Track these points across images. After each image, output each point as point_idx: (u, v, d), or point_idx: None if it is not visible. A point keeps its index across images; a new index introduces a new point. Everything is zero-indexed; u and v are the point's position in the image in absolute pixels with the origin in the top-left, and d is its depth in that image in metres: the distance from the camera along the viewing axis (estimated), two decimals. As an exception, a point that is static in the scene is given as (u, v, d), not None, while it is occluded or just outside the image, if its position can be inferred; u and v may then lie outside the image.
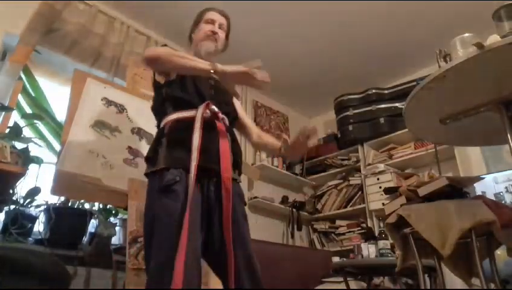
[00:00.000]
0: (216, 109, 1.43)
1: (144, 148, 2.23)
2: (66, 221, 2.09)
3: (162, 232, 1.23)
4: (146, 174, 1.39)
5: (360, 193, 3.49)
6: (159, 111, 1.50)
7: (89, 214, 2.17)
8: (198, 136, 1.31)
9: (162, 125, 1.44)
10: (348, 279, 2.40)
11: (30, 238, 2.04)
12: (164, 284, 1.11)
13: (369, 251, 2.34)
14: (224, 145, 1.37)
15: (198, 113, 1.36)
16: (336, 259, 2.97)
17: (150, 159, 1.38)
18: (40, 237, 2.02)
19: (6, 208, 1.95)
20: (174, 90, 1.46)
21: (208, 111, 1.40)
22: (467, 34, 1.27)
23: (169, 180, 1.27)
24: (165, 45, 1.56)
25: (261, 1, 2.87)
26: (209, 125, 1.37)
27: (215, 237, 1.30)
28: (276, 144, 1.61)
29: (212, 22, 1.67)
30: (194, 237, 1.21)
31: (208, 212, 1.32)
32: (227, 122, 1.49)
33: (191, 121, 1.35)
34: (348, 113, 3.61)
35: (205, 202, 1.32)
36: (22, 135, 1.92)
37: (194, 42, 1.68)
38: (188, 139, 1.32)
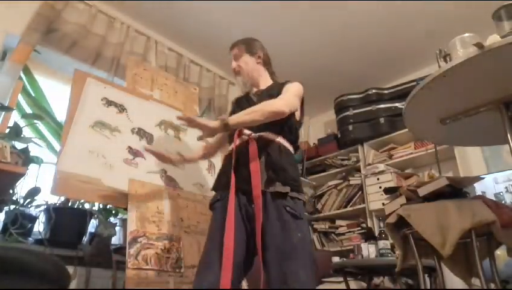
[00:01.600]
0: (247, 132, 1.58)
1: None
2: (66, 221, 2.09)
3: (208, 241, 1.52)
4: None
5: (360, 193, 3.49)
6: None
7: (89, 214, 2.17)
8: (234, 161, 1.53)
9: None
10: (348, 279, 2.40)
11: (30, 238, 2.04)
12: (198, 284, 1.39)
13: (369, 251, 2.34)
14: (254, 166, 1.49)
15: (233, 144, 1.60)
16: (336, 259, 2.97)
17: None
18: (40, 237, 2.02)
19: (6, 208, 1.95)
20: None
21: (238, 140, 1.59)
22: (467, 34, 1.27)
23: (211, 200, 1.63)
24: None
25: (261, 1, 2.87)
26: (243, 150, 1.54)
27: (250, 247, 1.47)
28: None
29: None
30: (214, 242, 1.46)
31: (249, 223, 1.48)
32: (257, 141, 1.57)
33: (229, 154, 1.64)
34: (348, 113, 3.61)
35: (244, 214, 1.49)
36: (22, 135, 1.92)
37: None
38: (225, 167, 1.62)
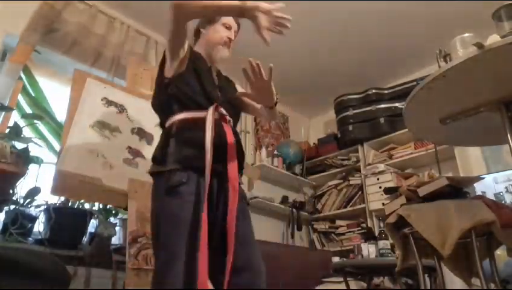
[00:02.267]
0: (224, 112, 1.44)
1: (144, 148, 2.23)
2: (66, 221, 2.09)
3: (166, 233, 1.24)
4: (151, 173, 1.38)
5: (360, 193, 3.49)
6: (163, 109, 1.47)
7: (89, 214, 2.18)
8: (210, 137, 1.31)
9: (168, 124, 1.42)
10: (348, 279, 2.40)
11: (30, 238, 2.04)
12: (166, 283, 1.15)
13: (369, 251, 2.34)
14: (231, 148, 1.37)
15: (209, 115, 1.36)
16: (336, 259, 2.97)
17: (157, 158, 1.37)
18: (40, 237, 2.02)
19: (6, 208, 1.95)
20: (181, 88, 1.42)
21: (216, 113, 1.40)
22: (467, 34, 1.27)
23: (175, 182, 1.28)
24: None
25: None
26: (216, 128, 1.36)
27: (214, 233, 1.29)
28: (259, 108, 1.61)
29: (229, 28, 1.60)
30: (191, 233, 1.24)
31: (211, 209, 1.31)
32: (232, 124, 1.49)
33: (199, 122, 1.35)
34: (348, 113, 3.61)
35: (213, 201, 1.34)
36: (22, 135, 1.92)
37: (204, 39, 1.61)
38: (197, 140, 1.32)
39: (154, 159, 1.40)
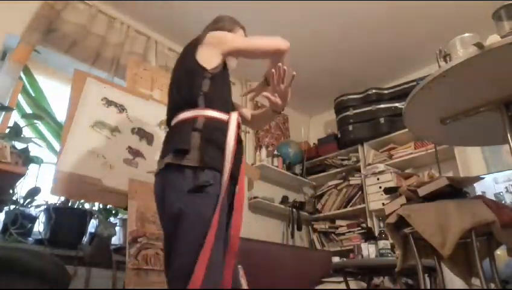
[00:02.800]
0: (240, 119, 1.45)
1: (144, 148, 2.23)
2: (66, 221, 2.09)
3: (190, 232, 1.20)
4: (170, 164, 1.28)
5: (360, 193, 3.49)
6: (190, 98, 1.39)
7: (89, 214, 2.17)
8: (234, 142, 1.32)
9: (190, 116, 1.35)
10: (348, 279, 2.40)
11: (30, 238, 2.04)
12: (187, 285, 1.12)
13: (369, 251, 2.34)
14: (243, 155, 1.41)
15: (234, 119, 1.37)
16: (336, 259, 2.97)
17: (183, 151, 1.28)
18: (40, 237, 2.02)
19: (6, 208, 1.95)
20: (216, 86, 1.41)
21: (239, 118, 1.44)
22: (467, 34, 1.27)
23: (205, 182, 1.24)
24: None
25: (260, 1, 2.87)
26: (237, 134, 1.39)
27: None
28: (265, 110, 1.65)
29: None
30: (221, 237, 1.22)
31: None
32: None
33: (224, 124, 1.35)
34: (348, 113, 3.61)
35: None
36: (22, 135, 1.92)
37: None
38: (221, 142, 1.31)
39: (179, 150, 1.29)
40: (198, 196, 1.23)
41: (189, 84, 1.40)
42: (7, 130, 1.90)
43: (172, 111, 1.43)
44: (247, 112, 1.73)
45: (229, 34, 1.52)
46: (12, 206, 1.98)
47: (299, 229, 3.45)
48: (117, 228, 2.30)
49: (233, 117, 1.37)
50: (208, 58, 1.42)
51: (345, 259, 2.77)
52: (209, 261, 1.12)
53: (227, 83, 1.50)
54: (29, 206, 2.08)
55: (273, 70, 1.40)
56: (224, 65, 1.48)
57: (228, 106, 1.43)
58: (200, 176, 1.25)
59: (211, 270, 1.12)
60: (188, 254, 1.16)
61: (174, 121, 1.39)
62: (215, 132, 1.33)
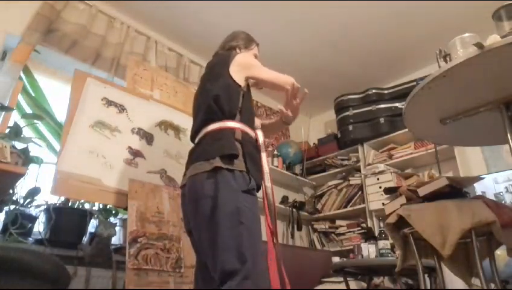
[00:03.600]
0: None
1: (144, 148, 2.23)
2: (66, 221, 2.09)
3: (253, 228, 1.31)
4: (219, 167, 1.36)
5: (360, 193, 3.49)
6: (230, 111, 1.51)
7: (89, 214, 2.17)
8: (266, 160, 1.52)
9: (231, 127, 1.48)
10: (348, 279, 2.40)
11: (30, 238, 2.04)
12: (266, 278, 1.24)
13: (369, 251, 2.34)
14: None
15: (261, 137, 1.56)
16: (336, 259, 2.97)
17: (233, 156, 1.40)
18: (40, 237, 2.02)
19: (6, 208, 1.95)
20: (246, 102, 1.57)
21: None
22: (467, 34, 1.27)
23: (254, 186, 1.41)
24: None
25: (260, 1, 2.87)
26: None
27: None
28: (276, 121, 1.81)
29: (256, 57, 1.83)
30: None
31: None
32: None
33: (253, 139, 1.53)
34: (348, 113, 3.61)
35: None
36: (22, 135, 1.92)
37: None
38: (256, 157, 1.49)
39: (231, 155, 1.40)
40: (249, 196, 1.37)
41: (228, 97, 1.52)
42: (7, 130, 1.90)
43: (207, 118, 1.52)
44: (258, 121, 1.83)
45: (254, 62, 1.67)
46: (12, 206, 1.97)
47: (299, 229, 3.45)
48: (117, 228, 2.30)
49: (260, 135, 1.57)
50: (238, 77, 1.57)
51: (345, 259, 2.77)
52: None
53: (251, 100, 1.67)
54: (29, 206, 2.08)
55: (288, 87, 1.57)
56: (248, 85, 1.64)
57: (254, 122, 1.61)
58: (251, 181, 1.40)
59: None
60: (257, 248, 1.28)
61: (211, 128, 1.49)
62: (250, 146, 1.49)
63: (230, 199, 1.32)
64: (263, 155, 1.51)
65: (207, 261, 1.34)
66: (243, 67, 1.59)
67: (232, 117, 1.50)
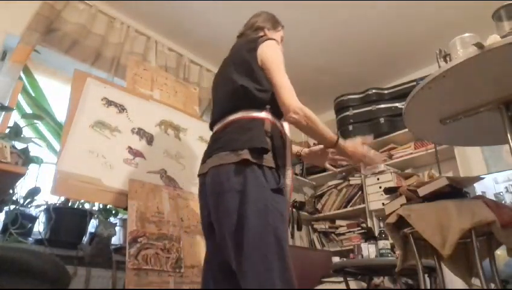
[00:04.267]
0: None
1: (144, 148, 2.23)
2: (66, 221, 2.09)
3: (279, 230, 1.23)
4: (247, 161, 1.28)
5: (360, 193, 3.49)
6: (261, 99, 1.40)
7: (89, 214, 2.18)
8: (290, 155, 1.43)
9: (261, 117, 1.39)
10: (348, 279, 2.40)
11: (30, 238, 2.04)
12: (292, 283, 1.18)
13: (369, 251, 2.34)
14: None
15: (287, 131, 1.46)
16: (336, 259, 2.97)
17: (263, 150, 1.31)
18: (40, 237, 2.02)
19: (6, 208, 1.95)
20: (274, 96, 1.42)
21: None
22: (467, 34, 1.27)
23: (283, 185, 1.32)
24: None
25: (261, 1, 2.87)
26: None
27: None
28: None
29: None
30: None
31: None
32: None
33: (281, 133, 1.43)
34: (348, 113, 3.61)
35: None
36: (22, 135, 1.92)
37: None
38: (282, 153, 1.39)
39: (261, 149, 1.31)
40: (278, 196, 1.28)
41: (258, 85, 1.41)
42: (7, 130, 1.90)
43: (233, 105, 1.41)
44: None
45: (277, 60, 1.46)
46: (12, 206, 1.97)
47: (299, 229, 3.45)
48: (117, 228, 2.30)
49: (286, 128, 1.46)
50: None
51: (345, 259, 2.77)
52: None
53: None
54: (29, 206, 2.08)
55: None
56: None
57: (281, 114, 1.45)
58: (280, 179, 1.32)
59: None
60: (283, 250, 1.21)
61: (239, 116, 1.39)
62: (279, 140, 1.40)
63: (259, 197, 1.23)
64: (287, 150, 1.41)
65: (228, 257, 1.25)
66: (263, 60, 1.44)
67: (261, 106, 1.40)
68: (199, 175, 1.46)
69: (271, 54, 1.46)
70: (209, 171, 1.36)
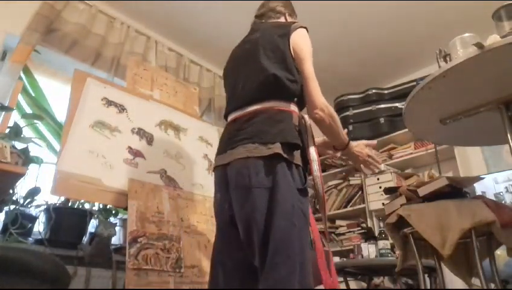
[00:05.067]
0: None
1: (144, 148, 2.23)
2: (66, 221, 2.09)
3: (303, 232, 1.20)
4: (278, 155, 1.21)
5: (360, 193, 3.48)
6: (292, 91, 1.34)
7: (89, 214, 2.17)
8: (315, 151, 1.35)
9: (289, 110, 1.33)
10: (348, 279, 2.40)
11: (30, 238, 2.04)
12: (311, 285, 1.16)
13: (369, 251, 2.34)
14: None
15: (309, 124, 1.38)
16: (336, 259, 2.97)
17: (296, 146, 1.26)
18: (40, 237, 2.02)
19: (6, 208, 1.95)
20: (301, 88, 1.37)
21: None
22: (467, 34, 1.27)
23: (308, 185, 1.28)
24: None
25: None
26: None
27: None
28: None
29: None
30: None
31: None
32: None
33: (307, 129, 1.37)
34: (348, 113, 3.61)
35: None
36: (22, 135, 1.92)
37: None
38: (304, 147, 1.32)
39: (294, 144, 1.26)
40: (303, 197, 1.24)
41: (290, 75, 1.34)
42: (7, 130, 1.90)
43: (260, 95, 1.33)
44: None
45: (310, 51, 1.41)
46: (12, 206, 1.97)
47: (299, 229, 3.44)
48: (117, 228, 2.30)
49: (308, 121, 1.38)
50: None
51: (345, 259, 2.77)
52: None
53: None
54: (29, 206, 2.08)
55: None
56: None
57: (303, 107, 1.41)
58: (306, 179, 1.27)
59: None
60: (307, 252, 1.18)
61: (267, 106, 1.31)
62: (305, 135, 1.34)
63: (288, 196, 1.18)
64: (311, 145, 1.33)
65: (250, 253, 1.20)
66: (294, 50, 1.37)
67: (290, 98, 1.33)
68: (217, 166, 1.36)
69: (305, 43, 1.39)
70: (232, 163, 1.27)
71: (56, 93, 2.59)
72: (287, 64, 1.35)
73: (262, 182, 1.19)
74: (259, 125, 1.27)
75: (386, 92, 3.56)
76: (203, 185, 2.39)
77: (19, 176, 1.52)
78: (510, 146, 1.21)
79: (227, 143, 1.33)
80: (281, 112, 1.30)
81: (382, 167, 3.22)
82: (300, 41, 1.38)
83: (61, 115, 2.37)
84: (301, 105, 1.39)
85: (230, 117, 1.40)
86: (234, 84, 1.46)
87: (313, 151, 1.33)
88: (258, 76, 1.34)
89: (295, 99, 1.36)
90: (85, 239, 2.20)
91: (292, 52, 1.36)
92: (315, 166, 1.31)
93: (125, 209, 1.98)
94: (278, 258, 1.13)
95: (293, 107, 1.35)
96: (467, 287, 1.50)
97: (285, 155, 1.21)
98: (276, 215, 1.16)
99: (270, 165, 1.20)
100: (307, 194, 1.26)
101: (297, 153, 1.26)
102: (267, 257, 1.14)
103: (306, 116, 1.39)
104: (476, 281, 1.42)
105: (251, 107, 1.32)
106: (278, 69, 1.33)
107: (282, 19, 1.60)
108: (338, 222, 3.61)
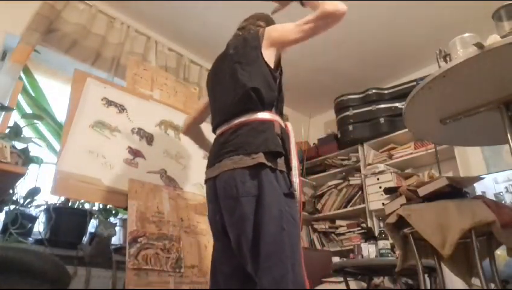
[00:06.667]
0: None
1: (144, 148, 2.23)
2: (66, 221, 2.09)
3: (293, 235, 1.24)
4: (262, 164, 1.26)
5: (360, 193, 3.49)
6: (269, 100, 1.39)
7: (89, 214, 2.18)
8: (298, 162, 1.38)
9: (270, 119, 1.37)
10: (348, 279, 2.40)
11: (30, 238, 2.04)
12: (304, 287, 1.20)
13: (369, 251, 2.34)
14: None
15: (292, 132, 1.43)
16: (336, 259, 2.97)
17: (279, 154, 1.31)
18: (40, 237, 2.02)
19: (6, 208, 1.95)
20: (280, 90, 1.44)
21: None
22: (467, 34, 1.27)
23: (294, 189, 1.32)
24: None
25: (261, 1, 2.86)
26: None
27: None
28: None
29: None
30: None
31: None
32: None
33: (287, 134, 1.40)
34: (348, 113, 3.62)
35: None
36: (22, 135, 1.92)
37: None
38: (288, 155, 1.35)
39: (277, 153, 1.31)
40: (290, 201, 1.29)
41: (266, 85, 1.39)
42: (7, 130, 1.90)
43: (242, 108, 1.38)
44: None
45: (289, 24, 1.49)
46: (12, 206, 1.97)
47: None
48: (117, 228, 2.30)
49: (291, 129, 1.42)
50: (270, 58, 1.44)
51: (345, 259, 2.77)
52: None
53: (281, 86, 1.50)
54: (29, 206, 2.08)
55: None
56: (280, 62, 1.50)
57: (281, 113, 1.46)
58: (292, 183, 1.32)
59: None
60: (299, 257, 1.23)
61: (251, 118, 1.36)
62: (287, 142, 1.37)
63: (274, 202, 1.23)
64: (292, 150, 1.37)
65: (243, 260, 1.25)
66: (276, 40, 1.46)
67: (269, 107, 1.38)
68: (207, 179, 1.44)
69: (276, 28, 1.51)
70: (220, 175, 1.33)
71: (56, 93, 2.59)
72: (263, 75, 1.41)
73: (248, 190, 1.25)
74: (244, 137, 1.33)
75: (386, 92, 3.56)
76: (203, 185, 2.39)
77: (19, 176, 1.52)
78: (510, 146, 1.20)
79: (215, 157, 1.40)
80: (263, 123, 1.36)
81: (382, 166, 3.23)
82: (274, 33, 1.48)
83: (61, 115, 2.37)
84: (280, 108, 1.45)
85: (218, 131, 1.47)
86: (215, 100, 1.54)
87: (293, 159, 1.37)
88: (237, 91, 1.40)
89: (274, 104, 1.42)
90: (85, 239, 2.20)
91: (267, 57, 1.43)
92: (294, 171, 1.36)
93: (125, 209, 1.99)
94: (270, 262, 1.17)
95: (274, 116, 1.40)
96: (467, 287, 1.50)
97: (268, 163, 1.26)
98: (265, 221, 1.21)
99: (255, 174, 1.26)
100: (294, 197, 1.31)
101: (280, 160, 1.31)
102: (259, 263, 1.18)
103: (288, 124, 1.45)
104: (476, 281, 1.42)
105: (233, 121, 1.39)
106: (256, 82, 1.38)
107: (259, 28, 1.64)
108: (338, 222, 3.61)
